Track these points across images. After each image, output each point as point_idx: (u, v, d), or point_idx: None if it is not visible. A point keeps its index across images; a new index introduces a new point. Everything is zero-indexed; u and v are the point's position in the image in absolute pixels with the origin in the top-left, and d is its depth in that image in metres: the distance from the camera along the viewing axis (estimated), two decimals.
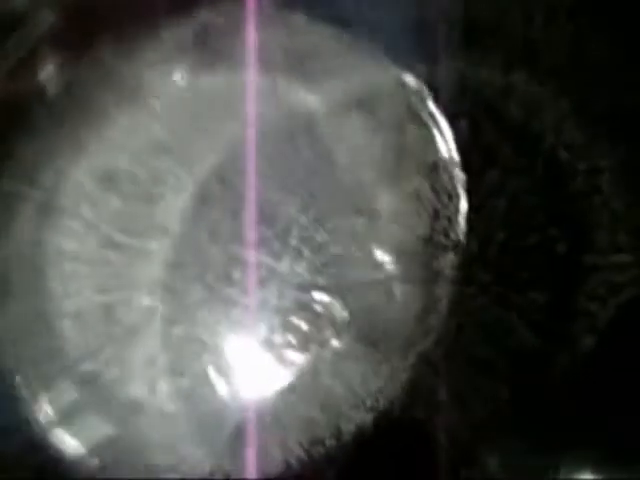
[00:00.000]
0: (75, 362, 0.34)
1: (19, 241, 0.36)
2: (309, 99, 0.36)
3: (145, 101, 0.38)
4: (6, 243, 0.36)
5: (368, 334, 0.34)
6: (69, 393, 0.34)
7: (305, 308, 0.34)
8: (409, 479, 0.33)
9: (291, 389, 0.34)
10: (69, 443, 0.34)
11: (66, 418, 0.34)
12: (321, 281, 0.35)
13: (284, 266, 0.35)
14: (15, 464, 0.33)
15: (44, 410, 0.34)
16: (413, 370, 0.33)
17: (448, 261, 0.33)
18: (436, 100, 0.35)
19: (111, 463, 0.33)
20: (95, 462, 0.33)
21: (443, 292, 0.33)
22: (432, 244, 0.34)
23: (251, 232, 0.35)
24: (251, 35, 0.36)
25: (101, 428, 0.34)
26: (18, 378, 0.35)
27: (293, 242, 0.35)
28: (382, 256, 0.35)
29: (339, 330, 0.34)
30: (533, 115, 0.34)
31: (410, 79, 0.35)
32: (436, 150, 0.35)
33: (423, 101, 0.35)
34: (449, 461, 0.32)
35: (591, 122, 0.34)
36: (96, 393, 0.34)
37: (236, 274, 0.35)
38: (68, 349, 0.34)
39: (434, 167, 0.35)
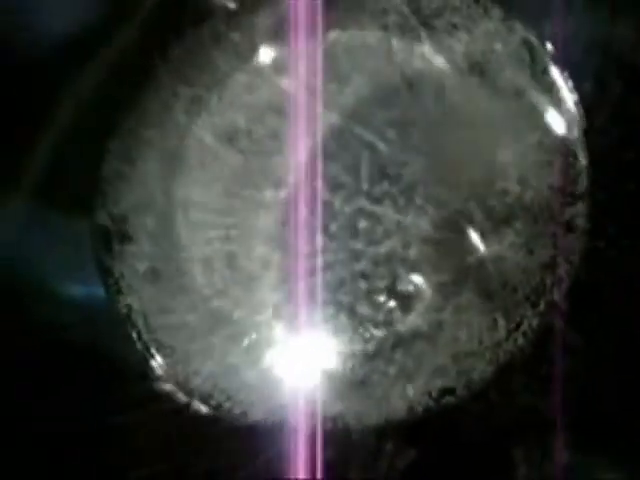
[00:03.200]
0: (205, 300, 0.35)
1: (147, 188, 0.36)
2: (434, 58, 0.36)
3: (259, 65, 0.39)
4: (134, 189, 0.36)
5: (487, 287, 0.34)
6: (200, 329, 0.35)
7: (428, 260, 0.34)
8: (535, 434, 0.33)
9: (419, 339, 0.34)
10: (192, 381, 0.34)
11: (193, 355, 0.34)
12: (443, 234, 0.35)
13: (409, 220, 0.35)
14: (139, 407, 0.33)
15: (170, 349, 0.35)
16: (542, 319, 0.33)
17: (577, 211, 0.33)
18: (561, 58, 0.35)
19: (230, 399, 0.34)
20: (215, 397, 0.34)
21: (573, 242, 0.33)
22: (558, 195, 0.34)
23: (374, 187, 0.35)
24: None
25: (224, 364, 0.34)
26: (143, 319, 0.35)
27: (417, 199, 0.35)
28: (502, 211, 0.35)
29: (459, 283, 0.34)
30: None
31: (534, 39, 0.36)
32: (559, 109, 0.35)
33: (547, 61, 0.36)
34: (579, 409, 0.32)
35: None
36: (226, 329, 0.34)
37: (362, 225, 0.35)
38: (198, 287, 0.35)
39: (556, 124, 0.35)
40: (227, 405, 0.34)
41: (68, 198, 0.36)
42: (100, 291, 0.35)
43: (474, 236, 0.35)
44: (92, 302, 0.36)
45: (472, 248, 0.35)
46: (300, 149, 0.37)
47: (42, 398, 0.33)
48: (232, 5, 0.39)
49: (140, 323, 0.36)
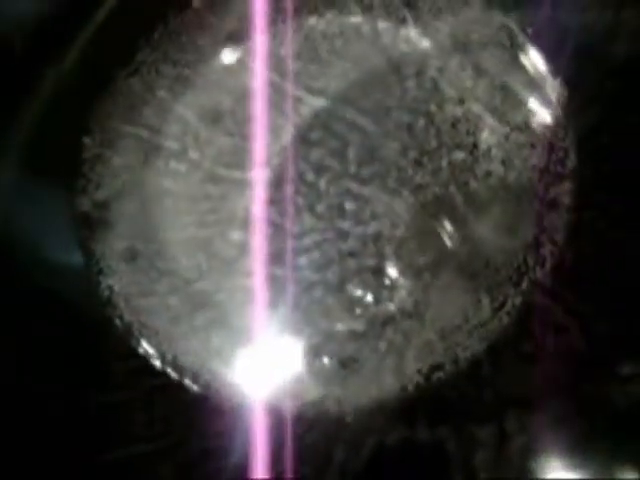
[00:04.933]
0: (186, 283, 0.34)
1: (128, 172, 0.36)
2: (419, 40, 0.37)
3: (243, 47, 0.38)
4: (115, 173, 0.36)
5: (470, 267, 0.34)
6: (181, 311, 0.34)
7: (412, 241, 0.35)
8: (524, 407, 0.33)
9: (406, 317, 0.34)
10: (179, 363, 0.34)
11: (178, 337, 0.34)
12: (424, 217, 0.35)
13: (391, 202, 0.35)
14: (127, 385, 0.33)
15: (153, 329, 0.34)
16: (525, 298, 0.33)
17: (560, 190, 0.34)
18: (538, 43, 0.36)
19: (218, 378, 0.33)
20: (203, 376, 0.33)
21: (557, 221, 0.34)
22: (541, 174, 0.34)
23: (359, 168, 0.36)
24: None
25: (209, 345, 0.34)
26: (123, 301, 0.35)
27: (397, 182, 0.35)
28: (485, 190, 0.35)
29: (445, 261, 0.35)
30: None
31: (512, 22, 0.36)
32: (540, 90, 0.36)
33: (525, 44, 0.36)
34: (568, 386, 0.32)
35: None
36: (207, 313, 0.34)
37: (348, 206, 0.35)
38: (179, 270, 0.35)
39: (538, 105, 0.36)
40: (215, 385, 0.34)
41: (53, 170, 0.35)
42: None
43: (455, 219, 0.35)
44: (77, 272, 0.35)
45: (453, 230, 0.35)
46: (283, 132, 0.37)
47: (27, 374, 0.32)
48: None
49: (122, 305, 0.35)
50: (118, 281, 0.35)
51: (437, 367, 0.33)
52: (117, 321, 0.35)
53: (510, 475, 0.32)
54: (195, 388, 0.34)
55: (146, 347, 0.34)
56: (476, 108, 0.36)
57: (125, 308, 0.35)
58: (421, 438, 0.32)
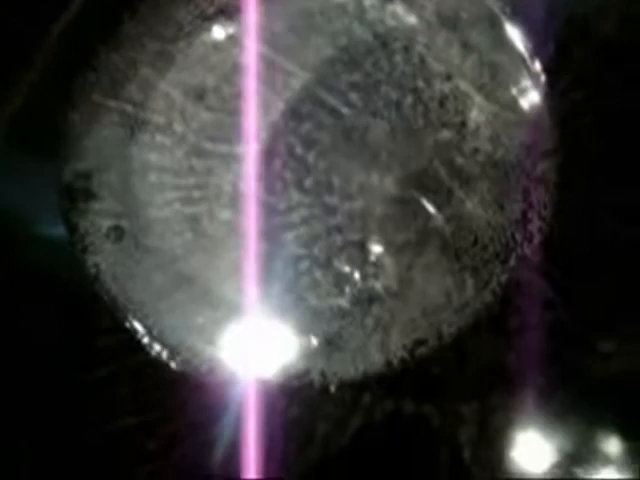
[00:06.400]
0: (171, 261, 0.34)
1: (111, 145, 0.36)
2: (405, 15, 0.36)
3: (231, 22, 0.38)
4: (98, 146, 0.36)
5: (456, 244, 0.35)
6: (167, 287, 0.34)
7: (395, 218, 0.35)
8: (507, 382, 0.33)
9: (390, 294, 0.34)
10: (165, 339, 0.34)
11: (163, 313, 0.34)
12: (409, 193, 0.35)
13: (376, 179, 0.35)
14: (113, 360, 0.33)
15: (138, 304, 0.34)
16: (511, 275, 0.34)
17: (545, 166, 0.34)
18: (525, 21, 0.36)
19: (198, 355, 0.33)
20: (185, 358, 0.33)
21: (543, 197, 0.34)
22: (528, 151, 0.35)
23: (345, 145, 0.36)
24: None
25: (191, 322, 0.34)
26: (110, 278, 0.34)
27: (382, 156, 0.35)
28: (473, 167, 0.35)
29: (426, 242, 0.35)
30: (628, 32, 0.35)
31: (495, 2, 0.36)
32: (526, 68, 0.36)
33: (511, 21, 0.36)
34: (550, 360, 0.33)
35: None
36: (193, 290, 0.34)
37: (336, 181, 0.35)
38: (163, 248, 0.34)
39: (524, 83, 0.36)
40: (195, 362, 0.34)
41: (37, 144, 0.35)
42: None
43: (445, 191, 0.35)
44: (63, 247, 0.35)
45: (438, 207, 0.35)
46: (272, 107, 0.37)
47: (12, 349, 0.32)
48: None
49: (108, 280, 0.35)
50: (104, 259, 0.35)
51: (421, 342, 0.33)
52: (104, 296, 0.35)
53: (494, 449, 0.32)
54: (178, 363, 0.34)
55: (132, 322, 0.34)
56: (464, 85, 0.35)
57: (111, 284, 0.35)
58: (406, 413, 0.33)
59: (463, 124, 0.35)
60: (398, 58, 0.36)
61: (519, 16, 0.36)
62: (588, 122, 0.35)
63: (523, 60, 0.36)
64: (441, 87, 0.35)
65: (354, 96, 0.36)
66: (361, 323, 0.34)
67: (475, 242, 0.35)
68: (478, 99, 0.35)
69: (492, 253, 0.34)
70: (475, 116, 0.35)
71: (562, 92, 0.35)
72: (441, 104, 0.35)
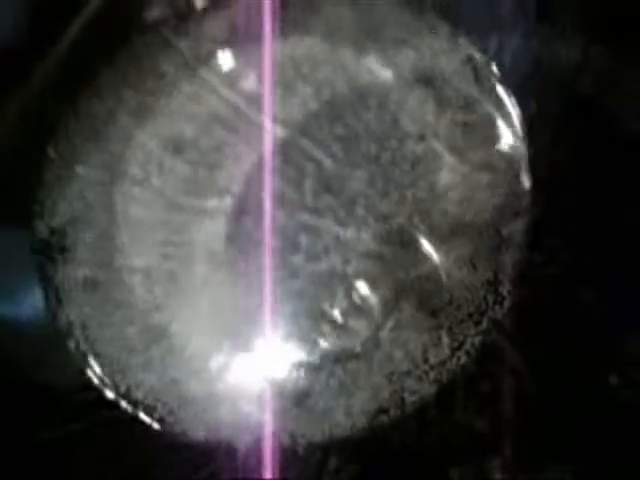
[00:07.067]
0: (143, 313, 0.35)
1: (87, 200, 0.36)
2: (380, 71, 0.36)
3: (206, 75, 0.38)
4: (74, 200, 0.36)
5: (431, 303, 0.34)
6: (137, 342, 0.34)
7: (368, 276, 0.34)
8: (472, 453, 0.33)
9: (355, 357, 0.34)
10: (133, 396, 0.34)
11: (133, 369, 0.34)
12: (385, 250, 0.35)
13: (350, 234, 0.35)
14: (78, 418, 0.33)
15: (108, 360, 0.35)
16: (484, 338, 0.33)
17: (516, 227, 0.34)
18: (505, 76, 0.35)
19: (172, 413, 0.34)
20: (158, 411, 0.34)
21: (513, 259, 0.33)
22: (500, 212, 0.34)
23: (316, 200, 0.35)
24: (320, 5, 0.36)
25: (165, 378, 0.34)
26: (82, 330, 0.35)
27: (359, 211, 0.35)
28: (446, 227, 0.35)
29: (401, 299, 0.34)
30: (606, 91, 0.34)
31: (479, 55, 0.35)
32: (503, 127, 0.35)
33: (490, 78, 0.35)
34: (519, 433, 0.32)
35: None
36: (163, 345, 0.34)
37: (303, 240, 0.35)
38: (137, 301, 0.35)
39: (500, 142, 0.35)
40: (170, 420, 0.34)
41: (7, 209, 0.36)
42: (30, 308, 0.35)
43: (421, 249, 0.35)
44: (24, 318, 0.35)
45: (416, 262, 0.35)
46: (246, 161, 0.36)
47: None
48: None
49: (79, 334, 0.35)
50: (76, 311, 0.35)
51: (382, 410, 0.33)
52: (72, 350, 0.35)
53: None
54: (149, 421, 0.34)
55: (100, 378, 0.35)
56: (436, 146, 0.35)
57: (81, 337, 0.35)
58: (372, 477, 0.33)
59: (435, 185, 0.35)
60: (371, 116, 0.35)
61: (498, 71, 0.35)
62: (562, 183, 0.34)
63: (500, 118, 0.35)
64: (414, 148, 0.35)
65: (329, 151, 0.36)
66: (329, 383, 0.34)
67: (450, 301, 0.34)
68: (450, 160, 0.35)
69: (466, 314, 0.34)
70: (447, 177, 0.35)
71: (539, 152, 0.34)
72: (413, 165, 0.35)
